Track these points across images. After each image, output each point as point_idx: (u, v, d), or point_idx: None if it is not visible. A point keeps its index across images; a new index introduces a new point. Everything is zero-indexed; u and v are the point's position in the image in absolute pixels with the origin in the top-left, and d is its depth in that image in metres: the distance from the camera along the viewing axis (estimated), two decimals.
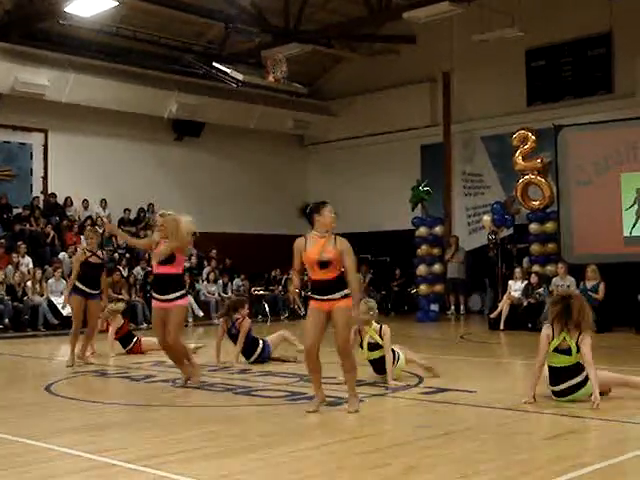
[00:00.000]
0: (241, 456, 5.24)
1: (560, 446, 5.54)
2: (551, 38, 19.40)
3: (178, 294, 8.18)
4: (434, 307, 18.77)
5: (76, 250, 17.91)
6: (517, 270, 16.40)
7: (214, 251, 21.06)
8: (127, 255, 19.08)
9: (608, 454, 5.21)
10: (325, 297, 6.75)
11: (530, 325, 15.27)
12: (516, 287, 16.01)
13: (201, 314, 18.74)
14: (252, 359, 10.23)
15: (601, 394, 6.82)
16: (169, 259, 8.15)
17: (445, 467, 4.93)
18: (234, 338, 10.25)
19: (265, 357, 10.31)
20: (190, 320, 18.46)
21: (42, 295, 16.40)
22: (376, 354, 8.44)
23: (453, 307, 19.92)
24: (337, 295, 6.71)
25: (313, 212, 6.91)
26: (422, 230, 18.76)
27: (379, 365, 8.45)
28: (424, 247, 18.71)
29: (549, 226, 16.91)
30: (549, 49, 19.71)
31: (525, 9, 18.15)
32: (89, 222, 19.35)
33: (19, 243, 17.42)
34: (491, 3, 17.68)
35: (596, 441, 5.67)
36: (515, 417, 6.64)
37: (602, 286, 15.02)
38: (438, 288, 18.89)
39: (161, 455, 5.25)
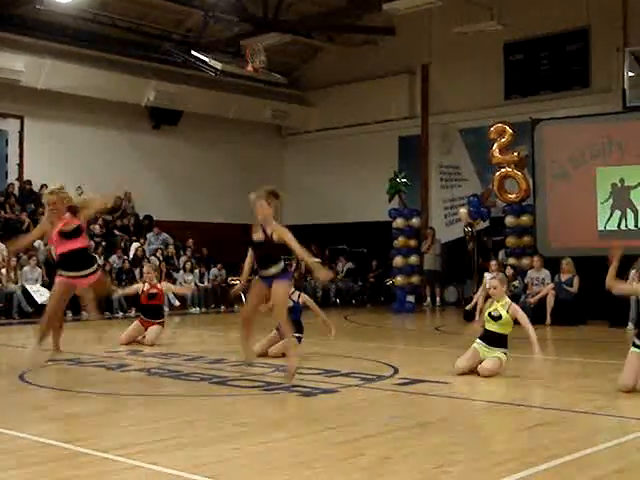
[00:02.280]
0: (216, 446, 5.24)
1: (533, 438, 5.59)
2: (529, 32, 19.49)
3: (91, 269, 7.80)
4: (410, 299, 18.84)
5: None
6: (493, 263, 16.47)
7: (191, 240, 20.99)
8: (103, 243, 18.95)
9: (580, 446, 5.26)
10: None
11: None
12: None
13: (177, 303, 18.66)
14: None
15: None
16: (75, 232, 7.69)
17: (419, 458, 4.96)
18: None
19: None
20: (167, 309, 18.39)
21: (17, 283, 16.27)
22: (494, 326, 8.55)
23: (429, 299, 20.01)
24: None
25: None
26: (399, 222, 18.81)
27: (491, 337, 8.56)
28: (401, 239, 18.77)
29: (525, 219, 17.01)
30: (527, 43, 19.80)
31: (504, 3, 18.26)
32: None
33: None
34: None
35: (569, 433, 5.71)
36: (489, 409, 6.69)
37: (577, 279, 15.16)
38: (414, 280, 18.97)
39: (135, 444, 5.24)
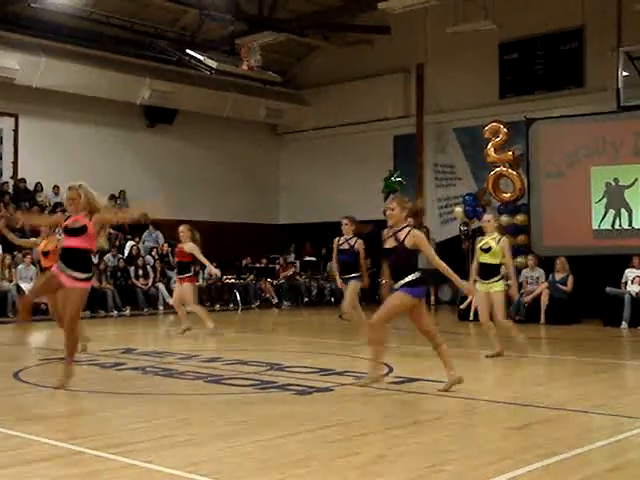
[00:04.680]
0: (210, 444, 5.24)
1: (528, 436, 5.61)
2: (524, 32, 19.52)
3: (82, 275, 7.27)
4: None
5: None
6: None
7: None
8: None
9: (575, 444, 5.27)
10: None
11: None
12: None
13: (171, 302, 18.63)
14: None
15: None
16: (79, 230, 7.29)
17: (413, 456, 4.97)
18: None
19: None
20: (161, 308, 18.41)
21: (11, 281, 16.24)
22: (486, 258, 9.53)
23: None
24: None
25: None
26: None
27: (486, 268, 9.56)
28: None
29: (519, 218, 17.04)
30: (522, 43, 19.82)
31: (499, 2, 18.27)
32: (59, 208, 19.18)
33: None
34: None
35: (564, 431, 5.73)
36: (483, 407, 6.70)
37: (571, 278, 15.20)
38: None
39: (130, 443, 5.24)
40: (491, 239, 9.60)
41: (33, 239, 11.92)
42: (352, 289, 11.01)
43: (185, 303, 12.49)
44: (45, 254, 10.45)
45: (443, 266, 7.37)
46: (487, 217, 10.01)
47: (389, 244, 7.24)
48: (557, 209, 16.68)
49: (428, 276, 21.74)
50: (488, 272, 9.63)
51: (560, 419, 6.20)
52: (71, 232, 7.33)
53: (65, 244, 7.45)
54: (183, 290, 12.49)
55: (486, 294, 9.71)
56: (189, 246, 12.50)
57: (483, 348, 12.16)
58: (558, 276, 15.33)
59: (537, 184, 17.02)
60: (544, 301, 15.12)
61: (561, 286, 15.19)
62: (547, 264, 15.73)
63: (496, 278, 9.65)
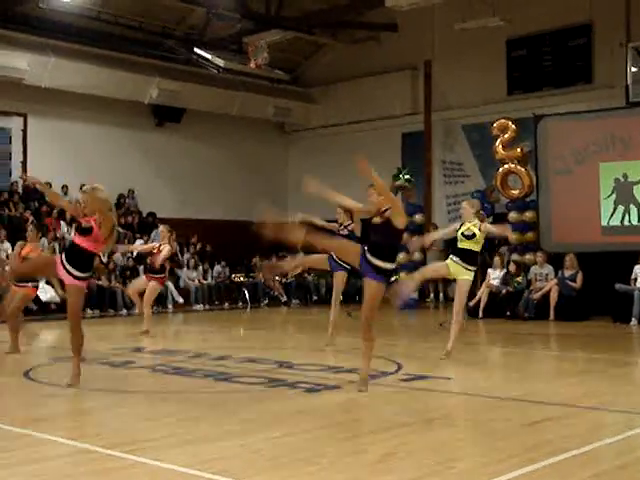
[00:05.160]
0: (220, 442, 5.25)
1: (537, 433, 5.60)
2: (532, 28, 19.44)
3: (81, 274, 7.36)
4: (413, 295, 18.83)
5: (55, 236, 17.92)
6: (496, 259, 16.50)
7: (195, 237, 21.04)
8: None
9: (585, 441, 5.26)
10: None
11: (509, 313, 15.40)
12: (495, 275, 16.11)
13: (181, 300, 18.72)
14: None
15: None
16: (85, 230, 7.36)
17: (422, 454, 4.97)
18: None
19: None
20: (170, 306, 18.46)
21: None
22: (468, 244, 9.35)
23: (432, 295, 20.01)
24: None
25: None
26: (406, 237, 18.76)
27: (464, 255, 9.35)
28: (404, 235, 18.67)
29: (528, 215, 17.01)
30: (530, 39, 19.75)
31: None
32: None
33: None
34: None
35: (573, 428, 5.72)
36: (492, 404, 6.70)
37: (580, 275, 15.15)
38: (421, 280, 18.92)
39: (139, 441, 5.25)
40: (472, 225, 9.39)
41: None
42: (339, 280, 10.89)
43: (145, 300, 12.58)
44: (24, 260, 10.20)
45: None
46: (463, 205, 9.82)
47: (375, 221, 7.30)
48: (566, 206, 16.63)
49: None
50: (467, 258, 9.32)
51: (570, 416, 6.19)
52: (80, 231, 7.43)
53: (73, 240, 7.58)
54: (150, 288, 12.53)
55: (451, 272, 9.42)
56: (167, 249, 12.49)
57: (491, 345, 12.17)
58: (567, 273, 15.30)
59: (546, 181, 16.98)
60: (553, 298, 15.09)
61: (570, 283, 15.15)
62: (556, 261, 15.69)
63: (474, 267, 9.36)
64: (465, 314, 9.95)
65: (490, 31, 18.49)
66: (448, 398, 7.01)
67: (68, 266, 7.31)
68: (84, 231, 7.36)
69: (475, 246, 9.36)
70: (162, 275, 12.67)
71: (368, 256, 7.11)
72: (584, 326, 14.05)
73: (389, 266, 7.10)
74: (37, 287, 10.55)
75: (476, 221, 9.43)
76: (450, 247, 9.76)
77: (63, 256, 7.43)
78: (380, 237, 7.15)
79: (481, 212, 9.82)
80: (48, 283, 16.65)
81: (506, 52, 20.18)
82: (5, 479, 4.44)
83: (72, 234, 7.86)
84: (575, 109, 17.75)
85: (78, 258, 7.33)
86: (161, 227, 13.44)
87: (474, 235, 9.33)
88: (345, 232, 10.74)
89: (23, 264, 9.69)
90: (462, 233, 9.41)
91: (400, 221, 7.11)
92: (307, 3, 20.25)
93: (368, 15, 20.94)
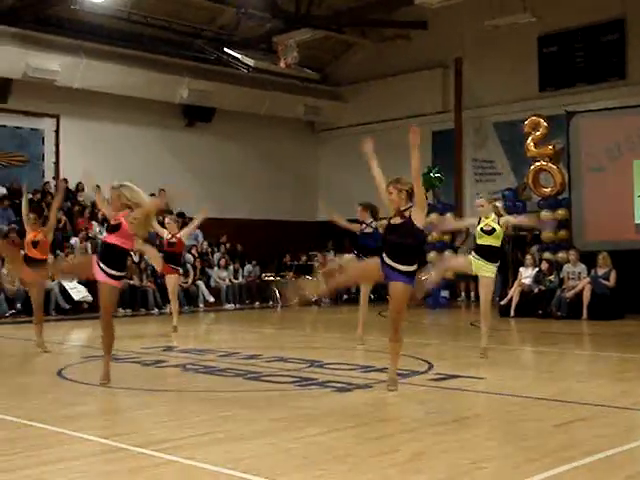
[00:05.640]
0: (250, 441, 5.26)
1: (569, 433, 5.55)
2: (564, 24, 19.27)
3: (115, 272, 7.41)
4: (445, 294, 18.76)
5: (87, 236, 18.09)
6: (528, 257, 16.38)
7: (225, 237, 21.11)
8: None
9: (617, 442, 5.20)
10: None
11: (541, 312, 15.28)
12: (527, 274, 15.99)
13: (212, 299, 18.80)
14: None
15: None
16: (115, 227, 7.44)
17: (453, 453, 4.94)
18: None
19: None
20: (201, 306, 18.56)
21: (54, 280, 16.46)
22: (489, 240, 9.16)
23: (464, 294, 19.92)
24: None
25: None
26: (433, 217, 18.70)
27: (485, 251, 9.17)
28: (434, 233, 18.67)
29: (560, 213, 16.86)
30: (561, 35, 19.57)
31: None
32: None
33: None
34: None
35: (605, 429, 5.66)
36: (524, 404, 6.64)
37: (613, 273, 14.99)
38: (449, 275, 18.85)
39: (171, 440, 5.28)
40: (491, 220, 9.20)
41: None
42: None
43: (174, 295, 13.02)
44: (34, 244, 10.21)
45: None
46: (479, 202, 9.54)
47: (394, 221, 7.07)
48: (599, 203, 16.46)
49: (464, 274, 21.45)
50: (488, 254, 9.14)
51: (603, 416, 6.13)
52: (110, 229, 7.54)
53: (104, 239, 7.68)
54: (175, 281, 13.02)
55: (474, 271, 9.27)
56: (185, 232, 13.12)
57: (523, 344, 12.08)
58: (600, 271, 15.14)
59: (578, 178, 16.82)
60: (586, 296, 14.94)
61: (604, 281, 15.00)
62: (589, 259, 15.53)
63: (493, 264, 9.14)
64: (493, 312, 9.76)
65: (521, 28, 18.35)
66: (479, 398, 6.97)
67: (102, 265, 7.39)
68: (113, 228, 7.45)
69: (495, 241, 9.16)
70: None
71: (388, 261, 6.96)
72: (618, 325, 13.89)
73: (411, 269, 6.94)
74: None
75: (493, 216, 9.25)
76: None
77: (98, 256, 7.52)
78: (399, 238, 6.94)
79: (498, 205, 9.61)
80: (80, 282, 16.84)
81: (537, 48, 20.02)
82: (39, 476, 4.50)
83: (104, 234, 7.85)
84: (608, 105, 17.55)
85: (111, 256, 7.41)
86: (167, 219, 13.79)
87: (494, 230, 9.14)
88: (369, 230, 10.69)
89: (63, 265, 9.68)
90: (481, 229, 9.22)
91: (421, 217, 6.94)
92: (337, 2, 20.24)
93: (398, 13, 20.87)
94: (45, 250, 10.39)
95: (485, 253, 9.15)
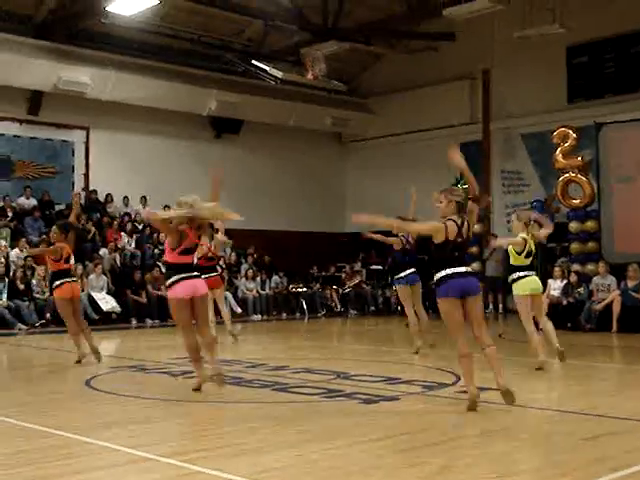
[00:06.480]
0: (277, 452, 5.27)
1: (599, 447, 5.48)
2: (593, 34, 19.15)
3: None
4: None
5: (116, 247, 18.22)
6: (557, 269, 16.24)
7: (252, 248, 21.17)
8: None
9: None
10: None
11: (570, 324, 15.13)
12: (555, 286, 15.86)
13: (239, 310, 18.83)
14: None
15: None
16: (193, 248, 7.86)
17: (481, 467, 4.91)
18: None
19: None
20: None
21: (83, 290, 16.59)
22: (526, 261, 9.47)
23: (491, 306, 19.79)
24: None
25: None
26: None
27: (529, 267, 9.45)
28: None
29: (589, 225, 16.71)
30: (591, 45, 19.45)
31: (566, 5, 17.94)
32: (127, 219, 19.57)
33: None
34: None
35: (637, 442, 5.59)
36: (553, 417, 6.58)
37: None
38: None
39: (198, 450, 5.30)
40: (530, 241, 9.41)
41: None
42: (418, 290, 11.24)
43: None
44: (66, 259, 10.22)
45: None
46: (513, 217, 9.81)
47: (450, 236, 6.86)
48: (628, 215, 16.30)
49: (496, 284, 21.39)
50: (531, 267, 9.51)
51: (633, 430, 6.06)
52: (186, 251, 7.76)
53: (186, 261, 7.83)
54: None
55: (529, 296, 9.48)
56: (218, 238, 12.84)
57: (552, 357, 11.96)
58: (630, 283, 14.98)
59: (607, 190, 16.67)
60: (616, 309, 14.78)
61: (634, 293, 14.83)
62: (618, 271, 15.37)
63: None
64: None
65: (550, 38, 18.26)
66: (508, 411, 6.91)
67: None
68: (189, 251, 7.75)
69: (529, 260, 9.46)
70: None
71: (462, 269, 6.89)
72: None
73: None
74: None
75: (522, 234, 9.42)
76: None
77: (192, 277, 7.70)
78: (464, 246, 6.95)
79: (529, 220, 9.76)
80: (109, 293, 16.97)
81: (566, 59, 19.92)
82: None
83: (165, 255, 8.06)
84: (637, 116, 17.39)
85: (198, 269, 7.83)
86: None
87: (531, 252, 9.45)
88: (408, 246, 10.79)
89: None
90: (526, 251, 9.42)
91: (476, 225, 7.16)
92: (364, 14, 20.28)
93: (425, 25, 20.88)
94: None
95: (530, 269, 9.45)
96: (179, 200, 7.71)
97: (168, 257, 7.77)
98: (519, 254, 9.45)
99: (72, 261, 10.38)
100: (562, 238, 17.63)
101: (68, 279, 10.10)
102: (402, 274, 11.06)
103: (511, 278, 9.58)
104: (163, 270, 17.71)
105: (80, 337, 10.20)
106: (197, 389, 7.73)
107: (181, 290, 7.55)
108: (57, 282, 10.07)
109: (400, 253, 11.04)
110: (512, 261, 9.61)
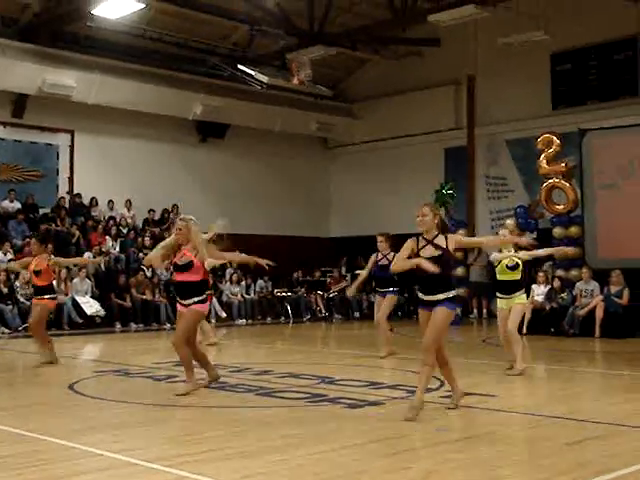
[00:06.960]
0: (261, 457, 5.26)
1: (583, 452, 5.52)
2: (577, 41, 19.29)
3: (196, 299, 7.91)
4: (457, 310, 18.71)
5: (101, 250, 18.16)
6: (540, 274, 16.32)
7: (237, 252, 21.11)
8: None
9: (632, 460, 5.17)
10: None
11: (553, 329, 15.22)
12: (539, 291, 15.93)
13: (224, 315, 18.80)
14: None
15: None
16: (187, 266, 7.92)
17: (465, 472, 4.92)
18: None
19: None
20: (213, 321, 18.54)
21: (67, 294, 16.53)
22: (510, 275, 9.47)
23: (476, 311, 19.85)
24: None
25: None
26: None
27: (508, 285, 9.47)
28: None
29: (573, 230, 16.82)
30: (575, 53, 19.59)
31: (551, 13, 18.06)
32: (112, 223, 19.50)
33: None
34: (517, 6, 17.59)
35: (620, 447, 5.62)
36: (537, 422, 6.61)
37: (626, 291, 14.93)
38: (460, 291, 18.83)
39: (182, 455, 5.29)
40: (514, 255, 9.43)
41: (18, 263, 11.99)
42: (389, 301, 11.14)
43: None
44: (37, 273, 10.34)
45: (496, 239, 8.56)
46: (503, 232, 9.57)
47: (427, 253, 6.82)
48: (611, 221, 16.41)
49: (480, 289, 21.50)
50: (511, 288, 9.48)
51: (615, 435, 6.09)
52: (179, 268, 7.92)
53: (176, 279, 8.11)
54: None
55: (507, 310, 9.50)
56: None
57: (535, 362, 12.03)
58: (613, 289, 15.07)
59: (591, 196, 16.78)
60: (599, 314, 14.87)
61: (616, 299, 14.93)
62: (601, 277, 15.47)
63: (518, 293, 9.51)
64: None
65: (534, 45, 18.36)
66: (491, 415, 6.94)
67: (184, 301, 7.87)
68: (184, 267, 7.84)
69: (517, 275, 9.46)
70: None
71: (427, 297, 6.90)
72: (630, 343, 13.82)
73: (454, 293, 6.92)
74: (55, 299, 10.83)
75: (511, 248, 9.43)
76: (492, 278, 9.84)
77: (173, 296, 7.85)
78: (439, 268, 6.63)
79: (516, 229, 9.86)
80: (93, 297, 16.91)
81: (550, 66, 20.05)
82: None
83: (172, 273, 8.26)
84: (621, 123, 17.52)
85: (189, 290, 7.86)
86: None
87: (517, 265, 9.43)
88: (385, 262, 10.82)
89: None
90: (506, 265, 9.45)
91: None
92: (350, 19, 20.33)
93: (411, 31, 20.94)
94: (48, 278, 10.53)
95: (510, 289, 9.46)
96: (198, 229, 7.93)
97: (205, 275, 8.07)
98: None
99: (48, 274, 10.43)
100: (546, 244, 17.72)
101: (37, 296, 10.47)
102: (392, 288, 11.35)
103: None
104: (148, 274, 17.67)
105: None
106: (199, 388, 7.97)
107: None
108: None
109: (378, 269, 11.23)
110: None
